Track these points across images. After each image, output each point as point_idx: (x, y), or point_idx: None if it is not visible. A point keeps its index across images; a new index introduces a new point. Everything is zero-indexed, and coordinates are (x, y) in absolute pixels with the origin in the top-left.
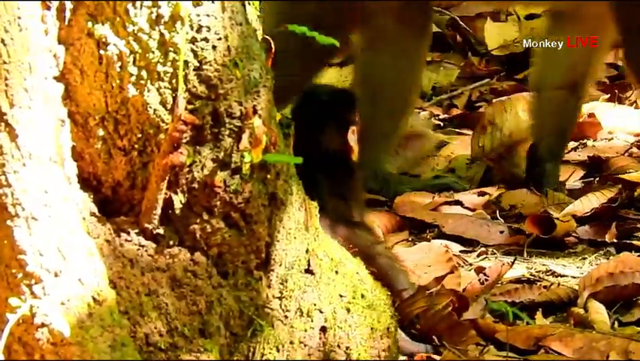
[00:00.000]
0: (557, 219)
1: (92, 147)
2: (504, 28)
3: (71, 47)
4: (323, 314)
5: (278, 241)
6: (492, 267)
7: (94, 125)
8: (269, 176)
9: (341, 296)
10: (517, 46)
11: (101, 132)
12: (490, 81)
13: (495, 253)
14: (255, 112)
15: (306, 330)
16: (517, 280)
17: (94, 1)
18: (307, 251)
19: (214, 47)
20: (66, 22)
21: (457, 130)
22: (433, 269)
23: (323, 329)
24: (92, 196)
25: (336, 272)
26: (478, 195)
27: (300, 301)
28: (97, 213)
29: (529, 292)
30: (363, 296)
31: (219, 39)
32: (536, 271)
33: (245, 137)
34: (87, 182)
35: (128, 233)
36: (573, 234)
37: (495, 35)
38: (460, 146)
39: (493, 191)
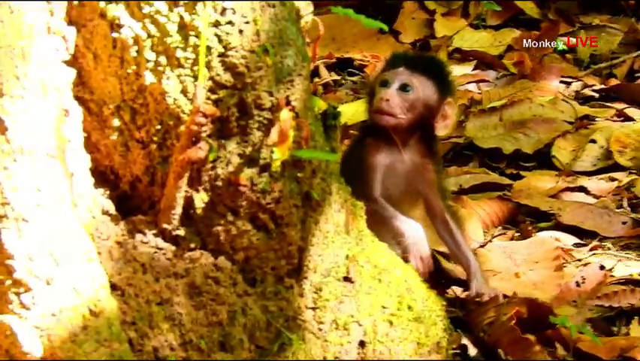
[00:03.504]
0: None
1: (107, 138)
2: None
3: (83, 29)
4: (362, 327)
5: (312, 245)
6: (591, 272)
7: (109, 114)
8: (303, 174)
9: (383, 307)
10: None
11: (116, 122)
12: None
13: (611, 248)
14: (287, 103)
15: (342, 344)
16: (626, 280)
17: None
18: (347, 257)
19: (240, 32)
20: (77, 2)
21: (608, 104)
22: (539, 266)
23: (361, 344)
24: (108, 192)
25: (380, 281)
26: (607, 181)
27: (337, 312)
28: (110, 212)
29: (630, 297)
30: (409, 308)
31: (246, 22)
32: None
33: (274, 130)
34: (104, 176)
35: (145, 234)
36: None
37: None
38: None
39: (623, 177)
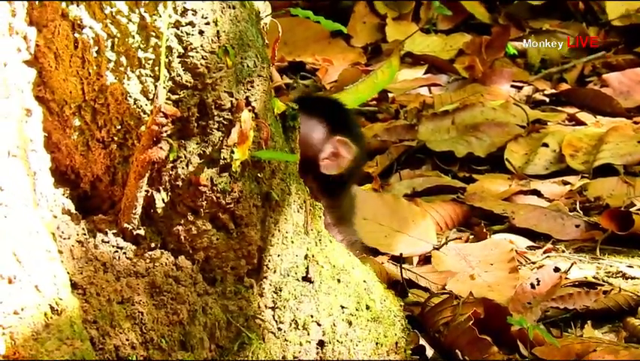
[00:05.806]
0: (637, 213)
1: (68, 137)
2: None
3: (44, 29)
4: (321, 327)
5: (272, 245)
6: (546, 274)
7: (70, 114)
8: (262, 174)
9: (342, 307)
10: None
11: (77, 122)
12: (607, 54)
13: (564, 251)
14: (247, 104)
15: (301, 344)
16: (580, 283)
17: None
18: (306, 257)
19: (201, 32)
20: (38, 2)
21: (559, 108)
22: (494, 268)
23: (320, 344)
24: (68, 192)
25: (339, 281)
26: (560, 185)
27: (296, 312)
28: (71, 211)
29: (585, 298)
30: (368, 308)
31: (207, 23)
32: (605, 273)
33: (235, 131)
34: (64, 176)
35: (106, 233)
36: None
37: (617, 3)
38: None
39: (575, 180)
